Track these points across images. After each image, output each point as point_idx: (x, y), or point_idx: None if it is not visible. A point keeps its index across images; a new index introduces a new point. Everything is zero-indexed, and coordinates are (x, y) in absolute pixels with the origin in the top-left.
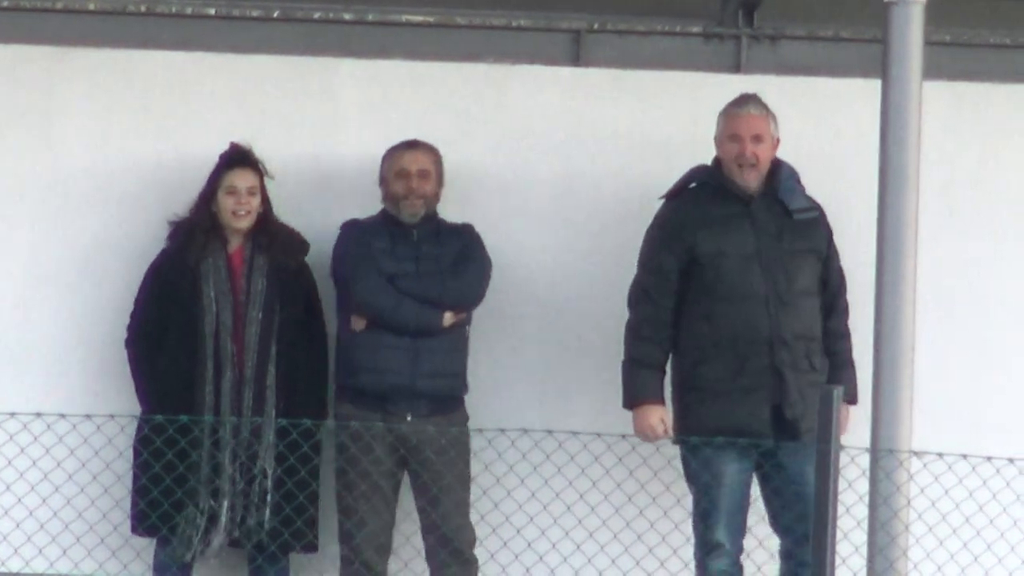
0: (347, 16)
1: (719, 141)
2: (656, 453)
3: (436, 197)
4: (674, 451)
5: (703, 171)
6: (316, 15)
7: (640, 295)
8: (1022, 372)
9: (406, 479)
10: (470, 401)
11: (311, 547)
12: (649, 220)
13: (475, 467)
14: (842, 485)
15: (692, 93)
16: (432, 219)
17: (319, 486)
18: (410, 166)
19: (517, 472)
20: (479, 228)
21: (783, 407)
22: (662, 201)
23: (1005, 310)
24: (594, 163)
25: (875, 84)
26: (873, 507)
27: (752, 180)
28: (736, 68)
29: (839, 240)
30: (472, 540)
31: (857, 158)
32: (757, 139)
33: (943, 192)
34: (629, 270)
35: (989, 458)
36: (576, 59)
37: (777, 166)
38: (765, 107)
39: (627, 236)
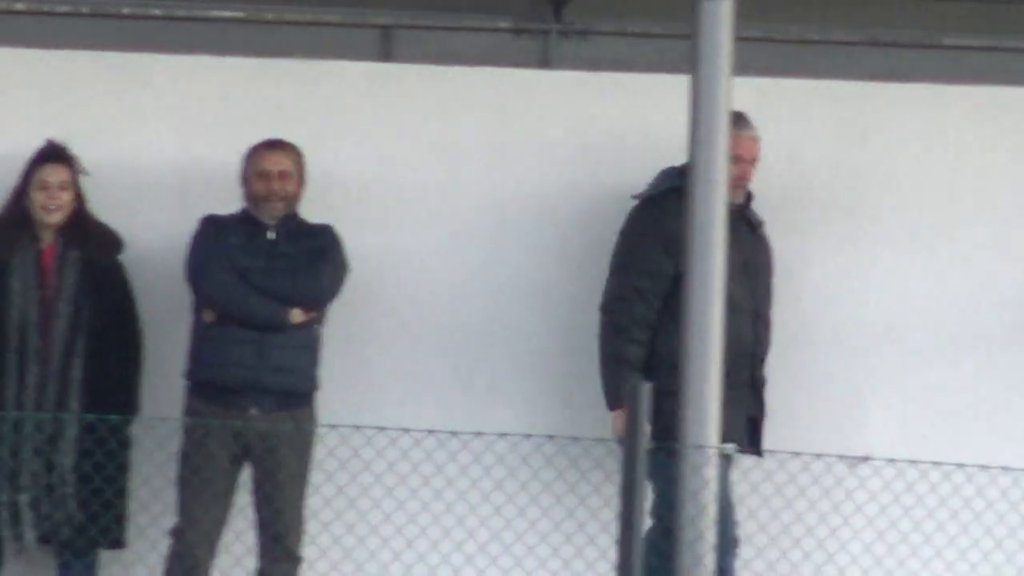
0: (156, 11)
1: None
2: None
3: (297, 197)
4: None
5: (682, 175)
6: (125, 10)
7: (633, 296)
8: (844, 370)
9: (246, 475)
10: (328, 402)
11: (117, 543)
12: (452, 216)
13: (331, 464)
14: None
15: (500, 88)
16: (292, 219)
17: (127, 482)
18: (271, 167)
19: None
20: None
21: (758, 420)
22: (634, 201)
23: (816, 307)
24: (404, 160)
25: (685, 80)
26: (681, 503)
27: (738, 199)
28: (545, 63)
29: None
30: (300, 538)
31: (667, 154)
32: (753, 163)
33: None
34: (440, 265)
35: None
36: (385, 55)
37: None
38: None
39: (433, 231)
